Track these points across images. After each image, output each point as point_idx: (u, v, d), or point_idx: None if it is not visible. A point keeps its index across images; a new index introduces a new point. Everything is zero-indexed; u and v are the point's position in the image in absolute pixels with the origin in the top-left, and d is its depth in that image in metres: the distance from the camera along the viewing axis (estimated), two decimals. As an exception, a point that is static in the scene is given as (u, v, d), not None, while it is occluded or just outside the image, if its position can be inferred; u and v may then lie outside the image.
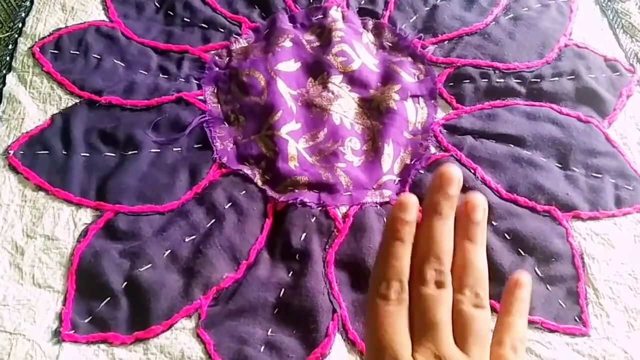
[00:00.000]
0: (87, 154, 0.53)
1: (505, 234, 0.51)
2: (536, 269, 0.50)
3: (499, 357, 0.33)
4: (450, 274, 0.33)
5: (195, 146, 0.54)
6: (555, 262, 0.50)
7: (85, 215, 0.50)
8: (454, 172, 0.33)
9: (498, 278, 0.48)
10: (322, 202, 0.51)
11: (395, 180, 0.54)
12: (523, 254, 0.50)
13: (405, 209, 0.32)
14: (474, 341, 0.33)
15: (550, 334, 0.47)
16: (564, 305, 0.48)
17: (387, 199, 0.53)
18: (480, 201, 0.33)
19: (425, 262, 0.32)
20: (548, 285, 0.49)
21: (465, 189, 0.50)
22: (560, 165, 0.55)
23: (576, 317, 0.48)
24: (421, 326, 0.32)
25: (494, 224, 0.51)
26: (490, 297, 0.45)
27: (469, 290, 0.32)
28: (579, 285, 0.49)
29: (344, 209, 0.52)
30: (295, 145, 0.53)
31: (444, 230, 0.33)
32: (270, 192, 0.52)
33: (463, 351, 0.32)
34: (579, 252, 0.51)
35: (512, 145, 0.56)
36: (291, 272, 0.49)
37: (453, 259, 0.33)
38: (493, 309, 0.34)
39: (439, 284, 0.32)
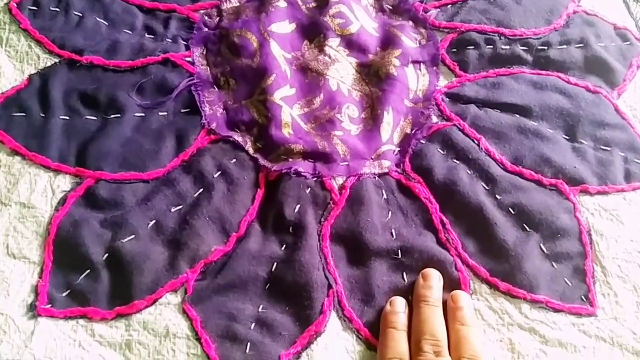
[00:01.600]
0: (67, 117, 0.49)
1: (510, 209, 0.48)
2: (541, 245, 0.47)
3: None
4: (447, 347, 0.39)
5: (182, 111, 0.51)
6: (561, 239, 0.47)
7: (64, 182, 0.47)
8: (433, 271, 0.44)
9: (502, 255, 0.46)
10: (317, 172, 0.48)
11: (394, 151, 0.51)
12: (528, 229, 0.47)
13: (395, 304, 0.42)
14: None
15: (555, 314, 0.45)
16: (570, 284, 0.46)
17: (386, 170, 0.49)
18: (462, 293, 0.43)
19: (422, 339, 0.39)
20: (554, 263, 0.46)
21: (468, 161, 0.47)
22: (567, 137, 0.52)
23: (583, 297, 0.45)
24: None
25: (498, 197, 0.48)
26: (495, 274, 0.43)
27: (466, 358, 0.39)
28: (586, 263, 0.47)
29: (340, 180, 0.49)
30: (289, 112, 0.50)
31: (434, 314, 0.41)
32: (262, 161, 0.48)
33: None
34: (587, 228, 0.48)
35: (518, 116, 0.53)
36: (284, 246, 0.45)
37: (448, 340, 0.40)
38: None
39: (437, 353, 0.39)
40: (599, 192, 0.50)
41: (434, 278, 0.43)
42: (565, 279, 0.46)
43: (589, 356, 0.43)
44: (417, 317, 0.41)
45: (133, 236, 0.44)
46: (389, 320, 0.41)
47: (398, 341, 0.40)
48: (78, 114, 0.49)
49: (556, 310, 0.45)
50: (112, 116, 0.49)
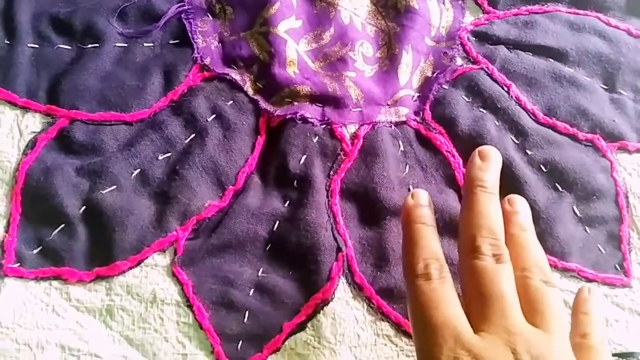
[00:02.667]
0: (36, 45, 0.42)
1: (542, 166, 0.43)
2: (575, 207, 0.42)
3: (587, 347, 0.30)
4: (507, 250, 0.31)
5: (171, 42, 0.44)
6: (596, 201, 0.42)
7: (33, 122, 0.40)
8: (493, 150, 0.35)
9: (533, 216, 0.40)
10: (326, 118, 0.42)
11: (413, 96, 0.45)
12: (561, 189, 0.42)
13: (417, 197, 0.34)
14: (551, 315, 0.29)
15: (588, 284, 0.40)
16: (603, 251, 0.41)
17: (404, 118, 0.43)
18: (518, 196, 0.35)
19: (478, 236, 0.31)
20: (587, 227, 0.42)
21: (497, 110, 0.42)
22: (606, 87, 0.47)
23: (617, 265, 0.41)
24: (482, 301, 0.29)
25: (529, 153, 0.43)
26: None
27: (534, 267, 0.31)
28: (622, 229, 0.42)
29: (352, 128, 0.43)
30: (295, 47, 0.43)
31: (493, 204, 0.33)
32: (263, 104, 0.42)
33: (538, 327, 0.29)
34: (624, 190, 0.43)
35: (552, 60, 0.47)
36: (287, 202, 0.40)
37: (507, 244, 0.32)
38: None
39: (498, 258, 0.30)
40: (638, 150, 0.45)
41: (493, 158, 0.34)
42: (599, 246, 0.42)
43: (622, 331, 0.39)
44: (470, 206, 0.32)
45: (114, 187, 0.39)
46: (415, 214, 0.33)
47: (431, 239, 0.32)
48: (49, 42, 0.42)
49: (588, 280, 0.41)
50: (90, 46, 0.42)
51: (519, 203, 0.35)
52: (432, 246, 0.32)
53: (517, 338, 0.27)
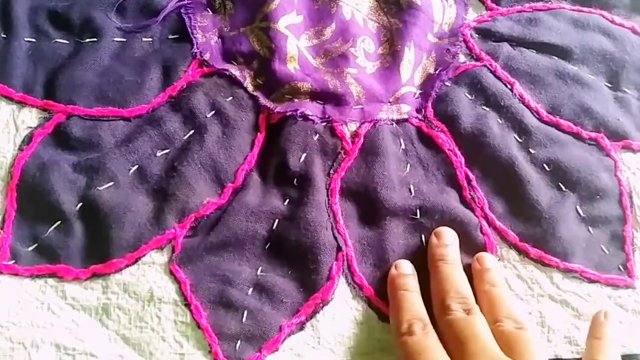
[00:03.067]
0: (33, 40, 0.41)
1: (545, 165, 0.42)
2: (578, 207, 0.41)
3: None
4: (477, 306, 0.34)
5: (171, 37, 0.43)
6: (599, 200, 0.42)
7: (30, 117, 0.40)
8: (447, 229, 0.38)
9: (534, 217, 0.40)
10: (327, 115, 0.41)
11: (415, 93, 0.44)
12: (564, 189, 0.41)
13: (400, 267, 0.37)
14: (528, 352, 0.32)
15: (590, 285, 0.40)
16: (607, 252, 0.41)
17: (405, 116, 0.43)
18: (488, 254, 0.38)
19: (447, 297, 0.34)
20: (590, 228, 0.41)
21: (500, 108, 0.41)
22: (610, 85, 0.46)
23: (620, 266, 0.41)
24: (460, 346, 0.32)
25: (532, 151, 0.42)
26: (525, 239, 0.37)
27: (506, 318, 0.34)
28: (626, 229, 0.41)
29: (353, 127, 0.42)
30: (295, 43, 0.42)
31: (455, 271, 0.36)
32: (263, 100, 0.41)
33: None
34: (628, 190, 0.42)
35: (556, 58, 0.46)
36: (287, 200, 0.39)
37: (478, 302, 0.35)
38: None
39: (468, 311, 0.34)
40: (642, 149, 0.44)
41: (448, 236, 0.38)
42: (602, 246, 0.41)
43: (625, 332, 0.38)
44: (436, 277, 0.36)
45: (112, 183, 0.38)
46: (398, 283, 0.36)
47: (413, 303, 0.35)
48: (46, 36, 0.42)
49: (591, 281, 0.40)
50: (87, 40, 0.42)
51: (488, 261, 0.37)
52: (415, 309, 0.35)
53: None
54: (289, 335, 0.36)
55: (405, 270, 0.37)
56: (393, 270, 0.37)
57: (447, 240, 0.38)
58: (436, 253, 0.37)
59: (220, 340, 0.36)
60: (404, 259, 0.38)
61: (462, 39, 0.46)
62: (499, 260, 0.39)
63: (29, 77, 0.40)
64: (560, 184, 0.42)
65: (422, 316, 0.34)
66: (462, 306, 0.34)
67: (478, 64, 0.45)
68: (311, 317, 0.37)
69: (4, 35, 0.41)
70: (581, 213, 0.41)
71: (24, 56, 0.41)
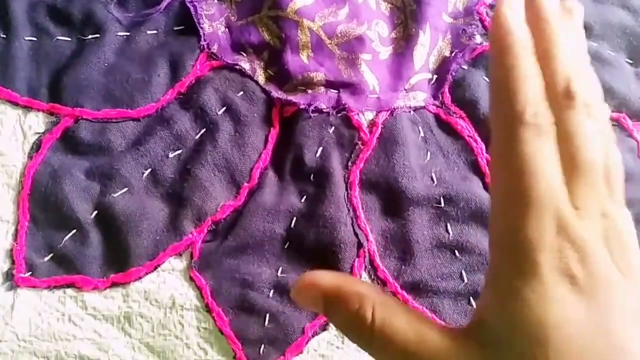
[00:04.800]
0: (34, 38, 0.38)
1: (566, 149, 0.39)
2: (600, 191, 0.39)
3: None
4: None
5: (176, 28, 0.40)
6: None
7: (37, 122, 0.37)
8: None
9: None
10: (343, 103, 0.39)
11: (431, 79, 0.41)
12: (586, 173, 0.39)
13: (514, 4, 0.23)
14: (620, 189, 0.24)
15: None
16: (630, 236, 0.38)
17: (422, 103, 0.40)
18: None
19: (572, 79, 0.22)
20: (613, 212, 0.39)
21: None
22: (631, 61, 0.43)
23: (644, 250, 0.38)
24: (576, 171, 0.22)
25: (553, 135, 0.39)
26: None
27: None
28: (649, 211, 0.39)
29: (370, 116, 0.39)
30: (308, 25, 0.39)
31: (574, 35, 0.25)
32: (275, 93, 0.39)
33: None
34: (651, 171, 0.40)
35: (576, 34, 0.42)
36: (304, 197, 0.37)
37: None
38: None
39: (589, 110, 0.22)
40: (665, 128, 0.41)
41: None
42: (625, 230, 0.38)
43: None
44: (548, 38, 0.23)
45: (126, 189, 0.36)
46: (517, 35, 0.23)
47: (536, 75, 0.23)
48: (47, 34, 0.38)
49: (614, 267, 0.37)
50: (90, 37, 0.39)
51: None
52: (540, 88, 0.23)
53: (609, 223, 0.22)
54: (313, 336, 0.35)
55: (523, 18, 0.24)
56: (507, 11, 0.23)
57: None
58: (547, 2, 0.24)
59: (244, 345, 0.34)
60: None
61: (477, 18, 0.43)
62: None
63: (32, 79, 0.37)
64: (582, 168, 0.39)
65: (545, 102, 0.23)
66: (586, 99, 0.22)
67: (495, 44, 0.42)
68: (334, 317, 0.35)
69: (4, 35, 0.38)
70: (604, 197, 0.39)
71: (25, 57, 0.38)
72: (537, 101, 0.22)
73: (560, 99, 0.23)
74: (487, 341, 0.21)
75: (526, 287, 0.21)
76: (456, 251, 0.37)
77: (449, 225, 0.37)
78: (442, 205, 0.37)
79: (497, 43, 0.23)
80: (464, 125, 0.39)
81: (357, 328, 0.24)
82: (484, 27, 0.42)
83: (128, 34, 0.39)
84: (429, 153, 0.39)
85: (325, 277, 0.25)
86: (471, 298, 0.36)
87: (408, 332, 0.23)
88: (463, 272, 0.36)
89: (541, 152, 0.22)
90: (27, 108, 0.37)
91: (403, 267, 0.36)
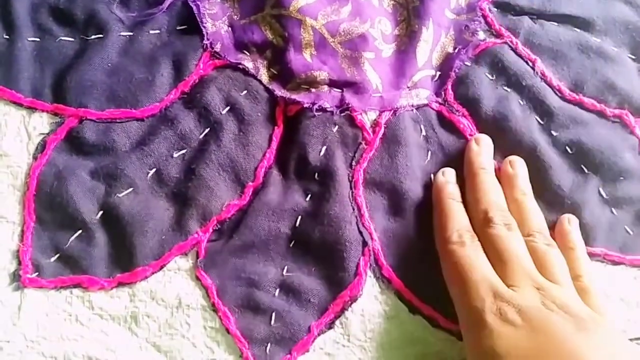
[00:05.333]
0: (37, 39, 0.38)
1: (567, 147, 0.39)
2: (601, 189, 0.39)
3: (583, 289, 0.33)
4: (514, 220, 0.34)
5: (179, 28, 0.40)
6: (623, 181, 0.40)
7: (41, 123, 0.37)
8: (484, 136, 0.38)
9: (556, 203, 0.38)
10: (346, 103, 0.38)
11: (434, 76, 0.41)
12: (586, 171, 0.39)
13: (448, 174, 0.37)
14: (560, 273, 0.33)
15: (615, 267, 0.38)
16: (631, 232, 0.39)
17: (425, 101, 0.40)
18: (517, 157, 0.38)
19: (490, 210, 0.34)
20: (613, 209, 0.39)
21: (521, 88, 0.38)
22: (634, 57, 0.43)
23: (645, 247, 0.38)
24: (504, 263, 0.32)
25: (554, 134, 0.40)
26: (548, 225, 0.35)
27: (536, 232, 0.34)
28: (650, 208, 0.39)
29: (373, 115, 0.39)
30: (311, 24, 0.39)
31: (495, 182, 0.36)
32: (279, 92, 0.38)
33: (551, 282, 0.32)
34: (652, 168, 0.40)
35: (578, 30, 0.42)
36: (309, 196, 0.37)
37: (510, 209, 0.35)
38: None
39: (508, 227, 0.34)
40: (668, 125, 0.41)
41: (487, 143, 0.38)
42: (626, 227, 0.39)
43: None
44: (475, 186, 0.36)
45: (131, 189, 0.36)
46: (446, 190, 0.36)
47: (461, 213, 0.35)
48: (50, 34, 0.38)
49: (615, 263, 0.39)
50: (93, 37, 0.38)
51: (519, 166, 0.37)
52: (464, 219, 0.35)
53: (543, 291, 0.31)
54: (319, 335, 0.35)
55: (451, 179, 0.37)
56: (441, 177, 0.37)
57: (486, 148, 0.37)
58: (476, 161, 0.37)
59: (251, 344, 0.34)
60: (449, 168, 0.38)
61: (480, 14, 0.42)
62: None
63: (36, 80, 0.37)
64: (582, 166, 0.39)
65: (469, 228, 0.34)
66: (503, 220, 0.34)
67: (498, 41, 0.42)
68: (340, 315, 0.35)
69: (7, 36, 0.38)
70: (604, 195, 0.39)
71: (29, 58, 0.37)
72: (460, 228, 0.34)
73: (481, 224, 0.34)
74: None
75: (481, 337, 0.29)
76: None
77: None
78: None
79: (435, 195, 0.37)
80: (466, 124, 0.39)
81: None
82: (486, 23, 0.42)
83: (131, 33, 0.39)
84: (429, 153, 0.39)
85: None
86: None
87: None
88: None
89: (469, 256, 0.32)
90: (31, 109, 0.37)
91: (407, 265, 0.36)
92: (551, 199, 0.38)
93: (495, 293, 0.30)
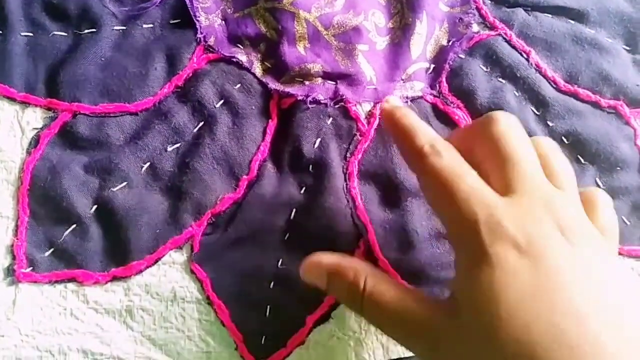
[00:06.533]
0: (30, 34, 0.38)
1: (564, 137, 0.39)
2: (597, 179, 0.39)
3: (590, 200, 0.28)
4: None
5: (172, 22, 0.39)
6: (619, 171, 0.39)
7: (35, 118, 0.37)
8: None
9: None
10: (340, 95, 0.38)
11: (428, 68, 0.41)
12: (583, 161, 0.39)
13: (392, 100, 0.35)
14: (566, 175, 0.28)
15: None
16: (628, 223, 0.39)
17: (420, 93, 0.40)
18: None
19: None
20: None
21: (516, 80, 0.38)
22: (628, 48, 0.42)
23: (642, 237, 0.38)
24: (504, 165, 0.26)
25: (550, 124, 0.39)
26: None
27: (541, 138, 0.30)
28: (647, 198, 0.39)
29: (367, 107, 0.39)
30: (304, 16, 0.39)
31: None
32: (272, 85, 0.38)
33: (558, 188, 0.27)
34: (648, 158, 0.40)
35: (572, 22, 0.42)
36: (304, 188, 0.37)
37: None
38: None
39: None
40: (663, 115, 0.41)
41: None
42: (623, 217, 0.39)
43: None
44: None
45: (125, 183, 0.35)
46: (399, 112, 0.32)
47: (421, 124, 0.31)
48: (44, 29, 0.38)
49: (612, 254, 0.37)
50: (86, 31, 0.38)
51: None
52: (429, 130, 0.30)
53: (549, 202, 0.25)
54: (314, 327, 0.35)
55: (399, 103, 0.35)
56: (386, 105, 0.33)
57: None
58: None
59: (246, 337, 0.34)
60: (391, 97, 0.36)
61: (474, 6, 0.42)
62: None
63: (29, 75, 0.37)
64: (579, 156, 0.39)
65: (440, 137, 0.29)
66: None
67: (492, 33, 0.41)
68: (335, 307, 0.35)
69: (0, 32, 0.37)
70: (601, 185, 0.39)
71: (22, 53, 0.37)
72: (430, 139, 0.28)
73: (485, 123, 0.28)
74: (455, 311, 0.25)
75: (476, 263, 0.24)
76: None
77: (447, 215, 0.37)
78: (440, 195, 0.37)
79: (387, 122, 0.32)
80: (461, 115, 0.39)
81: (352, 296, 0.28)
82: (480, 15, 0.42)
83: (124, 28, 0.39)
84: (426, 143, 0.38)
85: (326, 256, 0.30)
86: (471, 287, 0.36)
87: (393, 299, 0.27)
88: (462, 261, 0.36)
89: (449, 165, 0.27)
90: (25, 104, 0.37)
91: (403, 257, 0.36)
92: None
93: (489, 204, 0.25)
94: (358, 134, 0.38)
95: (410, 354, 0.34)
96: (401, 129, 0.30)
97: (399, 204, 0.37)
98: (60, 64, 0.37)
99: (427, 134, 0.29)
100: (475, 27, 0.42)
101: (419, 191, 0.37)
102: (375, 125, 0.38)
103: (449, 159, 0.27)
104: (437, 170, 0.27)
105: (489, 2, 0.43)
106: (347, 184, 0.37)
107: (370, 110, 0.39)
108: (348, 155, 0.38)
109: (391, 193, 0.37)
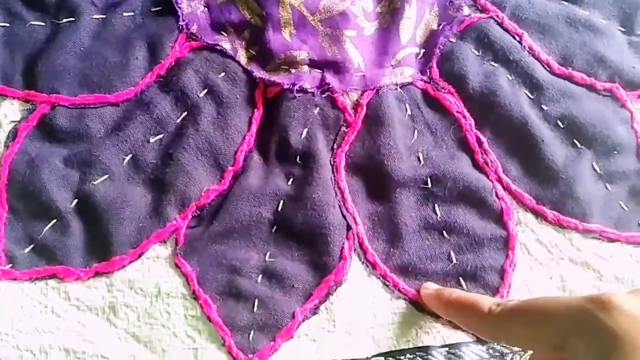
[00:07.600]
0: (6, 24, 0.37)
1: (559, 121, 0.38)
2: (594, 164, 0.38)
3: None
4: None
5: (153, 9, 0.38)
6: (616, 155, 0.38)
7: (12, 110, 0.36)
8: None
9: (550, 178, 0.37)
10: (327, 83, 0.37)
11: (418, 54, 0.39)
12: (579, 145, 0.38)
13: (428, 285, 0.35)
14: None
15: (611, 244, 0.37)
16: (626, 208, 0.38)
17: (410, 79, 0.38)
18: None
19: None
20: (607, 184, 0.38)
21: (509, 63, 0.36)
22: (623, 29, 0.41)
23: (640, 222, 0.37)
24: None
25: (544, 108, 0.38)
26: (542, 202, 0.34)
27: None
28: (645, 183, 0.38)
29: (354, 96, 0.38)
30: (289, 1, 0.37)
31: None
32: (258, 73, 0.37)
33: None
34: (645, 142, 0.38)
35: (566, 3, 0.41)
36: (291, 180, 0.36)
37: None
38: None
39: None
40: (660, 97, 0.40)
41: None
42: (621, 203, 0.38)
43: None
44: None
45: (106, 176, 0.34)
46: (445, 291, 0.34)
47: (473, 294, 0.33)
48: (20, 19, 0.37)
49: (611, 240, 0.37)
50: (65, 21, 0.37)
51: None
52: (482, 297, 0.32)
53: None
54: (303, 320, 0.34)
55: (436, 285, 0.35)
56: (426, 290, 0.34)
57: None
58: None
59: (233, 332, 0.33)
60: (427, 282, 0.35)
61: (465, -11, 0.41)
62: (516, 224, 0.36)
63: (6, 66, 0.36)
64: (575, 140, 0.38)
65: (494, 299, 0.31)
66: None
67: (484, 15, 0.40)
68: (325, 300, 0.34)
69: (-26, 22, 0.36)
70: (598, 170, 0.38)
71: (-2, 43, 0.36)
72: (488, 301, 0.30)
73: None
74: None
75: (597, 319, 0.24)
76: (444, 232, 0.36)
77: (436, 205, 0.36)
78: (429, 185, 0.36)
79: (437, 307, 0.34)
80: (452, 101, 0.38)
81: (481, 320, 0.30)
82: (471, -2, 0.41)
83: (104, 16, 0.38)
84: (416, 132, 0.37)
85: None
86: (460, 279, 0.35)
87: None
88: (452, 252, 0.35)
89: (520, 303, 0.29)
90: (2, 96, 0.36)
91: (392, 249, 0.35)
92: (545, 174, 0.37)
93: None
94: (345, 124, 0.37)
95: (407, 345, 0.33)
96: (459, 304, 0.32)
97: (387, 196, 0.36)
98: (38, 55, 0.36)
99: (485, 298, 0.31)
100: (466, 10, 0.40)
101: (407, 182, 0.36)
102: (362, 116, 0.37)
103: (514, 302, 0.29)
104: (513, 313, 0.28)
105: (480, -16, 0.41)
106: (335, 176, 0.36)
107: (357, 100, 0.38)
108: (335, 146, 0.37)
109: (379, 185, 0.36)
